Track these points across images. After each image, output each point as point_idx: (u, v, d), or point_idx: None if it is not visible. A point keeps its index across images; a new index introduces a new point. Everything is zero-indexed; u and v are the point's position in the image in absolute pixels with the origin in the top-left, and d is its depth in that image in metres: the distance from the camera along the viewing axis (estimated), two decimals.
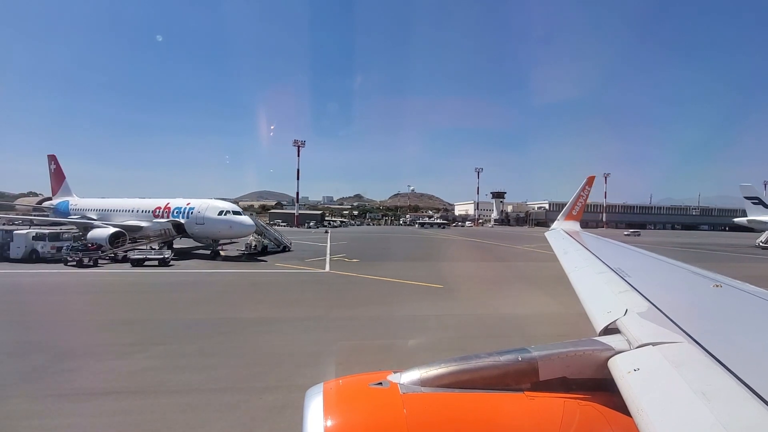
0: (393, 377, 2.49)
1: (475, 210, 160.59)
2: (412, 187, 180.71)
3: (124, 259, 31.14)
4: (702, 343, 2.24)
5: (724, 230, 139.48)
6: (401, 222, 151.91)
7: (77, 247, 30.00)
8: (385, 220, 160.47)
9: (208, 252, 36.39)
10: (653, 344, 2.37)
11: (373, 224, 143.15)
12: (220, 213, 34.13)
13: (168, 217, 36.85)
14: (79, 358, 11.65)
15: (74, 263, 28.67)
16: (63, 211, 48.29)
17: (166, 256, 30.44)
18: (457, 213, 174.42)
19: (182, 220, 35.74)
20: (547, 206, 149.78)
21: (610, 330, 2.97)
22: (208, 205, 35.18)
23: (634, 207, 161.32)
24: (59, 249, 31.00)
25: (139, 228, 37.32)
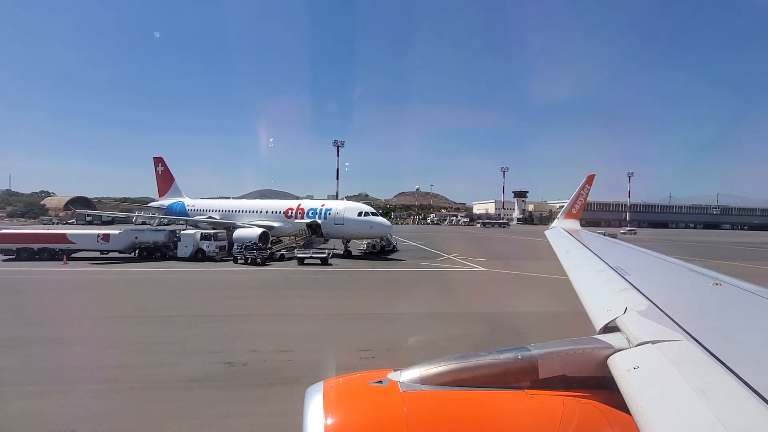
0: (393, 375, 2.49)
1: (501, 209, 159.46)
2: (418, 187, 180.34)
3: (281, 258, 32.69)
4: (701, 341, 2.24)
5: (743, 229, 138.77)
6: (428, 221, 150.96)
7: (251, 247, 31.02)
8: (412, 219, 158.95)
9: (341, 251, 38.03)
10: (653, 342, 2.37)
11: (402, 223, 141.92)
12: (360, 214, 35.78)
13: (302, 217, 37.90)
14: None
15: (243, 261, 30.20)
16: (179, 212, 48.70)
17: (327, 255, 31.74)
18: (475, 212, 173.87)
19: (319, 221, 36.89)
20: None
21: (610, 328, 2.97)
22: (346, 207, 37.11)
23: (655, 206, 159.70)
24: (221, 248, 32.29)
25: (272, 228, 38.54)
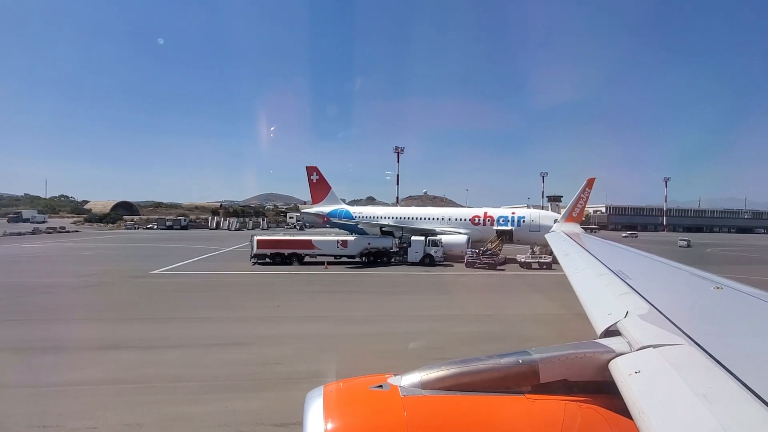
0: (393, 380, 2.48)
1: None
2: (425, 191, 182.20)
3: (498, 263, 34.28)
4: (703, 345, 2.24)
5: None
6: None
7: (487, 253, 33.52)
8: None
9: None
10: (654, 346, 2.36)
11: None
12: (555, 221, 37.43)
13: (492, 224, 39.45)
14: None
15: (472, 265, 32.59)
16: (344, 218, 49.18)
17: (548, 260, 33.12)
18: None
19: (511, 228, 38.47)
20: (603, 209, 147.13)
21: (611, 332, 2.96)
22: (540, 215, 39.26)
23: (688, 210, 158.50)
24: (445, 254, 34.94)
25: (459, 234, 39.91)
